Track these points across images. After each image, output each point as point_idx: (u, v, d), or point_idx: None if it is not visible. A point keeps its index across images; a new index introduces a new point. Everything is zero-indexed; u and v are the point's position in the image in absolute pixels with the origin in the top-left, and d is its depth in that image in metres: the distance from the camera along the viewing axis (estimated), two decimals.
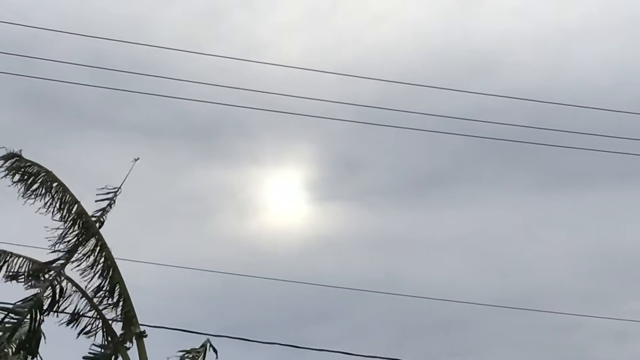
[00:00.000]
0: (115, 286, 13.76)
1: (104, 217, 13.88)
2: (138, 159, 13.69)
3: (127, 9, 28.54)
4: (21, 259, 13.77)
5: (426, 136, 19.74)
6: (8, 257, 13.79)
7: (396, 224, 31.25)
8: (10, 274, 13.60)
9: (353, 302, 23.41)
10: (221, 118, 28.04)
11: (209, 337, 14.20)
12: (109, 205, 13.96)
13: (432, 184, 33.38)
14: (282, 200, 32.18)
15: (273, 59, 27.25)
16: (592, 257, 30.26)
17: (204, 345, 13.93)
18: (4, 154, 13.90)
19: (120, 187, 13.97)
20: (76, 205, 13.81)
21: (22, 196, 13.74)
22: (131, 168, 13.74)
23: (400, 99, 19.01)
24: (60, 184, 13.96)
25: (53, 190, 13.88)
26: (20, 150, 13.97)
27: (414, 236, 30.98)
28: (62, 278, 13.44)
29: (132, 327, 13.45)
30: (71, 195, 13.89)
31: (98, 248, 13.76)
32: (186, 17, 30.61)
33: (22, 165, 13.89)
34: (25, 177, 13.84)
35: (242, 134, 31.06)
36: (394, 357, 16.97)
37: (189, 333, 14.95)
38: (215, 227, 28.79)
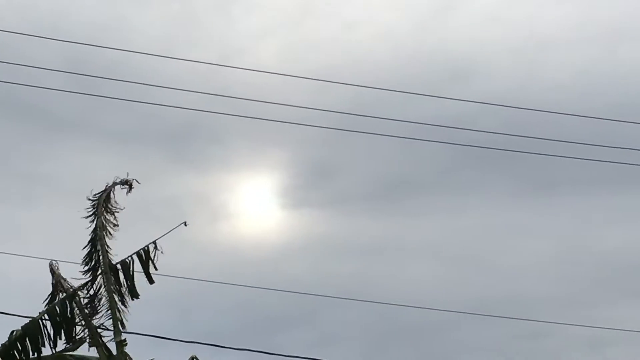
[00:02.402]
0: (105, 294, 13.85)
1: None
2: (187, 224, 13.83)
3: (101, 14, 28.49)
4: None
5: (401, 143, 19.80)
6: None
7: (370, 230, 31.31)
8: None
9: (326, 308, 23.42)
10: (194, 124, 28.03)
11: (180, 343, 14.21)
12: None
13: (406, 191, 33.46)
14: (255, 207, 32.17)
15: (247, 65, 27.34)
16: (567, 263, 30.44)
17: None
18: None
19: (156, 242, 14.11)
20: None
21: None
22: (175, 227, 13.81)
23: (374, 106, 19.04)
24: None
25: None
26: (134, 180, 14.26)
27: (388, 243, 31.05)
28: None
29: (115, 336, 13.49)
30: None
31: (101, 255, 13.90)
32: (161, 22, 30.60)
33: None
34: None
35: (215, 139, 31.08)
36: None
37: (160, 339, 14.90)
38: (188, 233, 28.66)
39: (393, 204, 33.25)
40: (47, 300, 13.70)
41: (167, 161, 31.70)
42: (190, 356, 14.08)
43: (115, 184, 14.19)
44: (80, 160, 27.99)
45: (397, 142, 19.47)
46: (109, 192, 14.17)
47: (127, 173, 14.17)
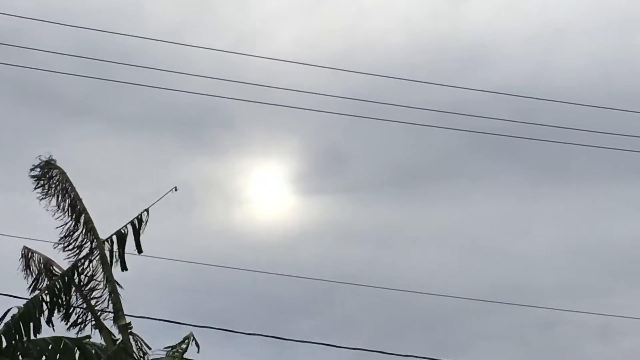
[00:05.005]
0: (105, 278, 13.76)
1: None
2: (177, 188, 13.79)
3: None
4: (37, 254, 14.05)
5: (414, 130, 19.74)
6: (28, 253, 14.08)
7: (383, 217, 31.26)
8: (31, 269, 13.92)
9: (338, 294, 23.43)
10: (208, 109, 27.99)
11: (192, 328, 14.19)
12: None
13: (419, 178, 33.39)
14: (269, 192, 32.14)
15: (261, 50, 27.28)
16: (580, 251, 30.32)
17: (187, 338, 13.92)
18: (40, 162, 14.23)
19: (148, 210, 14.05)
20: (79, 204, 13.95)
21: (42, 198, 14.10)
22: (166, 194, 13.78)
23: (388, 92, 18.99)
24: (70, 183, 14.17)
25: (63, 190, 14.10)
26: (51, 156, 14.32)
27: (401, 230, 31.01)
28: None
29: (118, 320, 13.40)
30: (76, 194, 14.04)
31: (92, 240, 13.81)
32: (175, 6, 30.52)
33: (48, 172, 14.23)
34: (47, 182, 14.17)
35: (229, 125, 31.02)
36: (378, 350, 16.97)
37: (172, 323, 14.93)
38: (201, 219, 28.74)
39: (406, 191, 33.21)
40: (32, 286, 13.72)
41: (181, 147, 31.68)
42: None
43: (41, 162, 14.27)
44: (92, 146, 27.96)
45: (410, 129, 19.44)
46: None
47: (50, 154, 14.34)
